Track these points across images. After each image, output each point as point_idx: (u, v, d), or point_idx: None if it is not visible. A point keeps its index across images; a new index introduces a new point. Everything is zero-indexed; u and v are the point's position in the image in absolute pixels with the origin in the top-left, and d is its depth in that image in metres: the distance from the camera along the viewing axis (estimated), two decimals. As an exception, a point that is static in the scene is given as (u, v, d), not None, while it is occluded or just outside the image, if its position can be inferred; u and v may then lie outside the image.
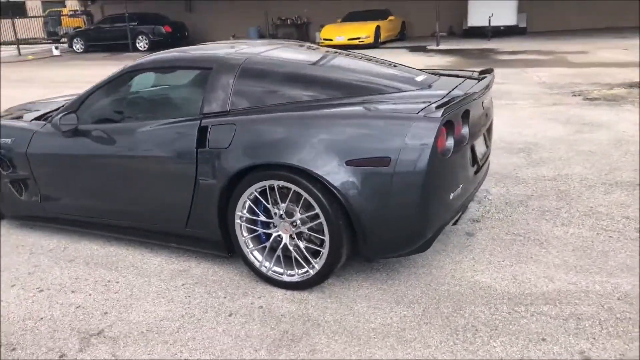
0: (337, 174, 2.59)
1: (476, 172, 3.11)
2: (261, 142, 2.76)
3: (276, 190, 2.76)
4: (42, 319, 2.78)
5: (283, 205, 2.78)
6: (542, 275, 2.90)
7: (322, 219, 2.66)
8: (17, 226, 3.99)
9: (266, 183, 2.76)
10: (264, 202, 2.81)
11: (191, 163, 2.94)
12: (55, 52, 21.97)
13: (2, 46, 25.74)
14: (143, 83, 3.53)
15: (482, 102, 3.08)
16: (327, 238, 2.69)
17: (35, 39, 29.29)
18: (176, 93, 3.53)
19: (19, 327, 2.71)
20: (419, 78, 3.25)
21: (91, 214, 3.50)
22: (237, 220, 2.91)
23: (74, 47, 22.88)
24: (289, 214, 2.79)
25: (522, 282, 2.84)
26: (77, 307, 2.87)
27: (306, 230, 2.78)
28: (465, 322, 2.54)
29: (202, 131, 2.93)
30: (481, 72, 3.58)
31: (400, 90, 3.01)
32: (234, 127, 2.86)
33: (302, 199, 2.69)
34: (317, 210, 2.66)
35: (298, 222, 2.78)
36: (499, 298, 2.71)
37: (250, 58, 3.13)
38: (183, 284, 3.03)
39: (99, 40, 22.34)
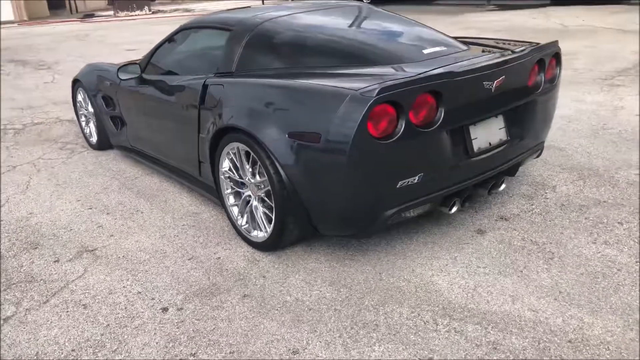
0: (279, 144, 2.59)
1: (471, 162, 2.74)
2: (232, 105, 2.89)
3: (241, 152, 2.87)
4: (70, 230, 3.43)
5: (247, 168, 2.89)
6: (509, 294, 2.50)
7: (269, 186, 2.71)
8: (118, 155, 4.81)
9: (234, 145, 2.89)
10: (236, 162, 2.96)
11: (195, 117, 3.21)
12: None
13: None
14: (197, 40, 3.85)
15: (490, 83, 2.65)
16: (273, 205, 2.73)
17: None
18: (209, 51, 3.78)
19: (53, 233, 3.40)
20: (429, 50, 2.92)
21: (152, 152, 4.06)
22: (221, 176, 3.11)
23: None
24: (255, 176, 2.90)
25: (478, 295, 2.50)
26: (99, 226, 3.45)
27: (263, 195, 2.85)
28: (372, 319, 2.38)
29: (204, 89, 3.16)
30: (541, 46, 3.05)
31: (395, 62, 2.78)
32: (222, 88, 3.02)
33: (258, 164, 2.77)
34: (265, 177, 2.71)
35: (262, 185, 2.86)
36: (434, 305, 2.45)
37: (264, 23, 3.19)
38: (183, 225, 3.39)
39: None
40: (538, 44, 3.14)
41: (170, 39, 3.84)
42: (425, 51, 2.91)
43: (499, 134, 2.89)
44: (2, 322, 2.52)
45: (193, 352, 2.25)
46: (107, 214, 3.63)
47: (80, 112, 5.05)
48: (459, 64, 2.65)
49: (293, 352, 2.21)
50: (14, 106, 7.07)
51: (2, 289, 2.80)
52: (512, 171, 3.15)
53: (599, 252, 2.78)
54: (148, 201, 3.78)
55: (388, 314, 2.41)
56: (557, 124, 4.68)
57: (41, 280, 2.86)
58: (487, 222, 3.16)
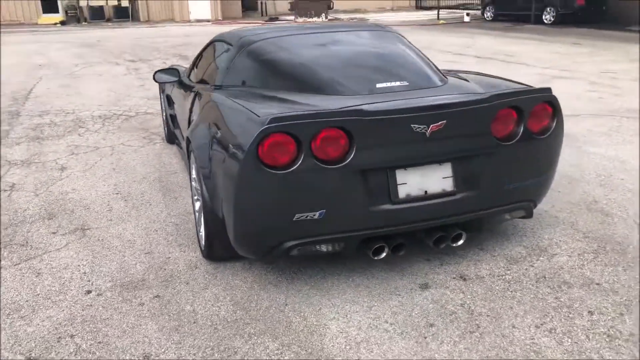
0: (202, 157, 2.74)
1: (396, 208, 2.56)
2: (196, 115, 3.10)
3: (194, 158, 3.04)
4: (87, 208, 3.93)
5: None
6: (388, 357, 2.31)
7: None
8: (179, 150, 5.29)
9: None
10: None
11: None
12: (466, 19, 23.28)
13: (426, 10, 28.67)
14: (215, 52, 4.08)
15: (422, 127, 2.46)
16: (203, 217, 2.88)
17: (464, 4, 31.30)
18: (216, 63, 3.98)
19: (72, 209, 3.93)
20: (384, 84, 2.79)
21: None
22: (192, 183, 3.33)
23: (485, 15, 23.62)
24: None
25: (356, 351, 2.35)
26: (109, 210, 3.90)
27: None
28: (238, 346, 2.39)
29: (194, 97, 3.42)
30: (532, 90, 2.76)
31: (343, 94, 2.73)
32: (199, 98, 3.25)
33: None
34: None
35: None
36: (303, 348, 2.37)
37: (254, 44, 3.32)
38: (170, 222, 3.67)
39: (508, 9, 22.32)
40: (525, 89, 2.80)
41: (205, 47, 4.16)
42: (379, 85, 2.78)
43: (442, 184, 2.65)
44: (-24, 273, 3.03)
45: (73, 334, 2.49)
46: (125, 200, 4.07)
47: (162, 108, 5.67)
48: (377, 104, 2.50)
49: (145, 356, 2.33)
50: (148, 95, 8.09)
51: (3, 247, 3.34)
52: (470, 227, 2.85)
53: (532, 339, 2.41)
54: (163, 195, 4.14)
55: (256, 345, 2.40)
56: (619, 184, 4.04)
57: (30, 246, 3.35)
58: (441, 277, 2.91)
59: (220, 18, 26.02)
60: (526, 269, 2.98)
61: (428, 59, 3.37)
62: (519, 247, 3.22)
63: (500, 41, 14.46)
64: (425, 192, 2.62)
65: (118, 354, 2.35)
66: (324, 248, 2.58)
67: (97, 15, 25.02)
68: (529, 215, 3.01)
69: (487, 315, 2.58)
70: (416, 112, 2.45)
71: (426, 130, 2.48)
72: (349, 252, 2.65)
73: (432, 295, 2.75)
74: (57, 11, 24.69)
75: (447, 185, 2.66)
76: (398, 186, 2.56)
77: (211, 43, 4.06)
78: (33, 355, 2.34)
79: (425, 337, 2.43)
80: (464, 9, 28.80)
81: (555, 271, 2.95)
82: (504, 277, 2.91)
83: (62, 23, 24.12)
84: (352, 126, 2.38)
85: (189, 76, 4.28)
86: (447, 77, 3.17)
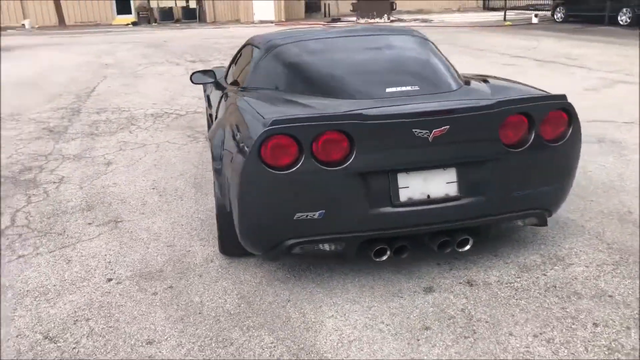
0: (217, 153, 2.89)
1: (397, 211, 2.60)
2: (216, 113, 3.25)
3: None
4: (123, 202, 4.18)
5: None
6: (378, 356, 2.36)
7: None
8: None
9: None
10: None
11: None
12: (534, 20, 22.49)
13: (493, 11, 27.84)
14: (247, 55, 4.20)
15: (424, 132, 2.48)
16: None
17: (534, 5, 30.19)
18: (246, 66, 4.10)
19: (109, 202, 4.19)
20: (393, 89, 2.82)
21: None
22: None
23: (555, 16, 22.71)
24: None
25: (347, 349, 2.41)
26: (143, 204, 4.13)
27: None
28: (235, 337, 2.50)
29: (222, 97, 3.59)
30: (545, 97, 2.72)
31: (354, 97, 2.79)
32: (222, 97, 3.40)
33: None
34: None
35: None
36: (297, 343, 2.45)
37: (278, 48, 3.42)
38: (197, 218, 3.85)
39: (580, 10, 21.35)
40: (538, 95, 2.75)
41: (239, 49, 4.31)
42: (389, 89, 2.81)
43: (446, 189, 2.65)
44: (17, 256, 3.31)
45: (89, 317, 2.69)
46: (159, 195, 4.29)
47: (208, 107, 5.91)
48: (379, 108, 2.53)
49: (148, 342, 2.49)
50: (200, 95, 8.40)
51: (41, 235, 3.63)
52: (477, 233, 2.83)
53: (527, 348, 2.38)
54: (196, 191, 4.34)
55: (252, 337, 2.50)
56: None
57: (66, 235, 3.62)
58: (448, 282, 2.91)
59: (283, 19, 26.46)
60: (537, 278, 2.92)
61: (449, 63, 3.35)
62: (535, 255, 3.16)
63: (566, 44, 13.88)
64: (428, 196, 2.63)
65: (125, 338, 2.52)
66: (325, 247, 2.65)
67: (167, 16, 26.11)
68: (542, 223, 2.95)
69: (486, 322, 2.57)
70: (418, 117, 2.47)
71: (428, 135, 2.49)
72: (351, 252, 2.70)
73: (434, 299, 2.76)
74: (129, 12, 25.97)
75: (451, 190, 2.66)
76: (399, 190, 2.59)
77: (245, 46, 4.20)
78: (51, 334, 2.56)
79: (418, 340, 2.45)
80: (533, 10, 27.79)
81: (568, 281, 2.88)
82: (512, 284, 2.87)
83: (134, 24, 25.35)
84: (353, 130, 2.44)
85: (225, 77, 4.45)
86: (466, 82, 3.15)
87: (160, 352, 2.42)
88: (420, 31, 3.82)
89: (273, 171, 2.45)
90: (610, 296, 2.74)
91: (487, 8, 31.40)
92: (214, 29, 22.96)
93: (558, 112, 2.70)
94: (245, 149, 2.47)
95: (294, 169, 2.45)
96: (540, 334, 2.47)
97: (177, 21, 26.53)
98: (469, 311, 2.65)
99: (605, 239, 3.32)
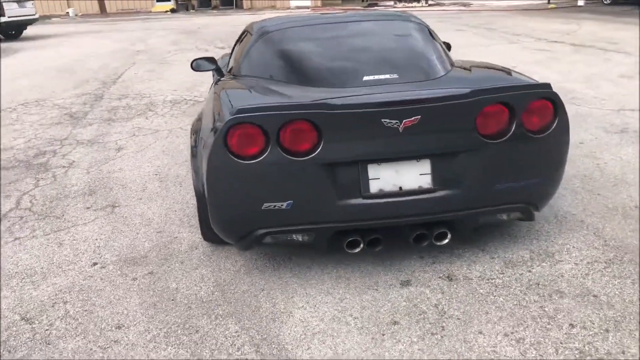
0: (193, 140, 2.91)
1: (367, 203, 2.55)
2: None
3: None
4: (124, 187, 4.26)
5: None
6: (339, 350, 2.33)
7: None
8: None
9: None
10: None
11: None
12: (580, 2, 21.63)
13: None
14: (243, 41, 4.16)
15: (394, 122, 2.41)
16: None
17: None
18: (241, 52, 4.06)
19: (110, 187, 4.28)
20: (371, 77, 2.74)
21: None
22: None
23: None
24: None
25: (309, 341, 2.39)
26: (144, 190, 4.20)
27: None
28: (202, 324, 2.52)
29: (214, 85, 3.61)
30: (527, 86, 2.61)
31: (332, 86, 2.74)
32: (214, 84, 3.41)
33: None
34: None
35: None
36: (261, 333, 2.45)
37: (268, 34, 3.37)
38: (192, 204, 3.89)
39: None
40: (519, 84, 2.63)
41: (239, 36, 4.29)
42: (367, 77, 2.74)
43: (419, 180, 2.57)
44: (14, 238, 3.42)
45: (67, 300, 2.75)
46: (160, 181, 4.35)
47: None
48: (345, 97, 2.46)
49: (118, 326, 2.53)
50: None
51: (41, 218, 3.74)
52: (457, 226, 2.74)
53: (494, 347, 2.30)
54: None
55: (218, 326, 2.51)
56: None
57: (64, 218, 3.72)
58: (427, 276, 2.84)
59: (319, 5, 26.30)
60: (521, 274, 2.82)
61: (442, 50, 3.24)
62: (524, 250, 3.05)
63: (608, 27, 13.29)
64: (400, 188, 2.57)
65: (96, 322, 2.57)
66: (296, 237, 2.62)
67: (204, 3, 26.38)
68: (528, 218, 2.84)
69: (458, 319, 2.49)
70: (387, 107, 2.39)
71: (399, 126, 2.42)
72: (322, 243, 2.66)
73: (409, 293, 2.70)
74: (169, -1, 26.37)
75: (425, 182, 2.58)
76: (370, 181, 2.53)
77: (243, 32, 4.18)
78: (28, 316, 2.64)
79: (384, 335, 2.41)
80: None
81: (553, 279, 2.77)
82: (493, 280, 2.78)
83: (173, 11, 25.71)
84: (319, 120, 2.39)
85: (227, 65, 4.45)
86: (458, 69, 3.03)
87: (127, 336, 2.46)
88: (419, 17, 3.70)
89: (240, 160, 2.44)
90: (595, 296, 2.61)
91: (532, -9, 30.25)
92: (248, 15, 22.99)
93: (541, 101, 2.57)
94: (212, 138, 2.46)
95: (260, 158, 2.42)
96: (512, 333, 2.38)
97: (215, 8, 26.76)
98: (443, 307, 2.58)
99: (603, 235, 3.17)
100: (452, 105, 2.45)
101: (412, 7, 24.15)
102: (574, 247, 3.06)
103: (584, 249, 3.03)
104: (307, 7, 25.60)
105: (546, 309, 2.53)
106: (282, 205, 2.51)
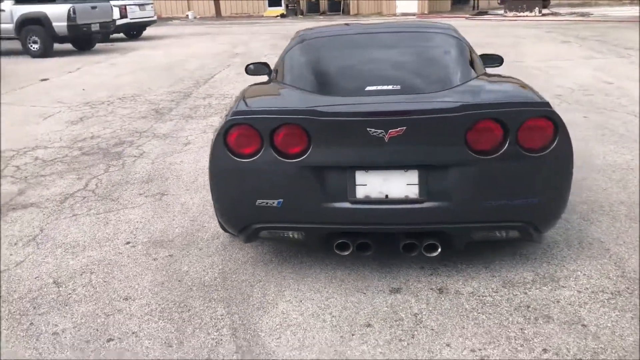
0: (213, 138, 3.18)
1: (354, 208, 2.67)
2: None
3: None
4: (178, 178, 4.68)
5: None
6: (314, 353, 2.48)
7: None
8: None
9: None
10: None
11: None
12: None
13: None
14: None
15: (379, 132, 2.52)
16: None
17: None
18: None
19: (166, 177, 4.71)
20: (373, 87, 2.85)
21: None
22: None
23: None
24: None
25: (287, 339, 2.57)
26: (194, 182, 4.59)
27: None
28: (195, 305, 2.78)
29: None
30: (521, 104, 2.62)
31: (340, 94, 2.89)
32: None
33: None
34: None
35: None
36: (246, 321, 2.66)
37: (303, 42, 3.56)
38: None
39: None
40: (514, 101, 2.61)
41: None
42: (369, 87, 2.85)
43: (406, 190, 2.64)
44: (72, 214, 3.92)
45: (94, 271, 3.14)
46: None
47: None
48: (333, 106, 2.59)
49: (125, 298, 2.87)
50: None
51: (100, 199, 4.24)
52: (446, 239, 2.76)
53: (456, 361, 2.33)
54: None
55: (208, 308, 2.76)
56: None
57: (117, 201, 4.18)
58: (419, 286, 2.89)
59: (426, 12, 26.05)
60: (515, 295, 2.78)
61: (466, 64, 3.23)
62: (529, 272, 2.98)
63: None
64: (386, 196, 2.65)
65: (109, 292, 2.92)
66: (289, 235, 2.80)
67: (313, 8, 27.19)
68: (527, 238, 2.79)
69: (431, 329, 2.53)
70: (371, 117, 2.50)
71: (384, 135, 2.51)
72: (312, 243, 2.82)
73: (394, 299, 2.77)
74: (280, 5, 27.46)
75: (412, 192, 2.64)
76: (357, 186, 2.64)
77: (292, 39, 4.43)
78: (59, 280, 3.05)
79: (353, 335, 2.51)
80: None
81: (547, 303, 2.70)
82: (484, 298, 2.77)
83: (282, 16, 26.77)
84: (308, 125, 2.55)
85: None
86: (470, 83, 3.03)
87: (129, 307, 2.78)
88: (456, 29, 3.70)
89: (237, 158, 2.66)
90: (583, 325, 2.52)
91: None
92: (354, 20, 23.37)
93: (539, 120, 2.53)
94: (216, 136, 2.72)
95: (255, 157, 2.63)
96: (479, 350, 2.39)
97: (323, 13, 27.47)
98: (421, 317, 2.63)
99: (623, 267, 3.01)
100: (440, 118, 2.50)
101: (523, 16, 23.16)
102: (584, 274, 2.94)
103: (595, 278, 2.90)
104: (414, 14, 25.47)
105: (525, 332, 2.49)
106: (273, 202, 2.70)
